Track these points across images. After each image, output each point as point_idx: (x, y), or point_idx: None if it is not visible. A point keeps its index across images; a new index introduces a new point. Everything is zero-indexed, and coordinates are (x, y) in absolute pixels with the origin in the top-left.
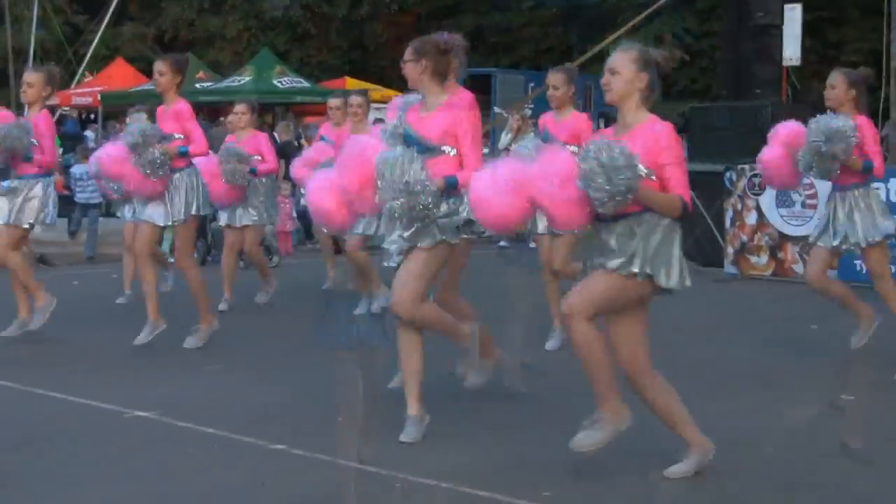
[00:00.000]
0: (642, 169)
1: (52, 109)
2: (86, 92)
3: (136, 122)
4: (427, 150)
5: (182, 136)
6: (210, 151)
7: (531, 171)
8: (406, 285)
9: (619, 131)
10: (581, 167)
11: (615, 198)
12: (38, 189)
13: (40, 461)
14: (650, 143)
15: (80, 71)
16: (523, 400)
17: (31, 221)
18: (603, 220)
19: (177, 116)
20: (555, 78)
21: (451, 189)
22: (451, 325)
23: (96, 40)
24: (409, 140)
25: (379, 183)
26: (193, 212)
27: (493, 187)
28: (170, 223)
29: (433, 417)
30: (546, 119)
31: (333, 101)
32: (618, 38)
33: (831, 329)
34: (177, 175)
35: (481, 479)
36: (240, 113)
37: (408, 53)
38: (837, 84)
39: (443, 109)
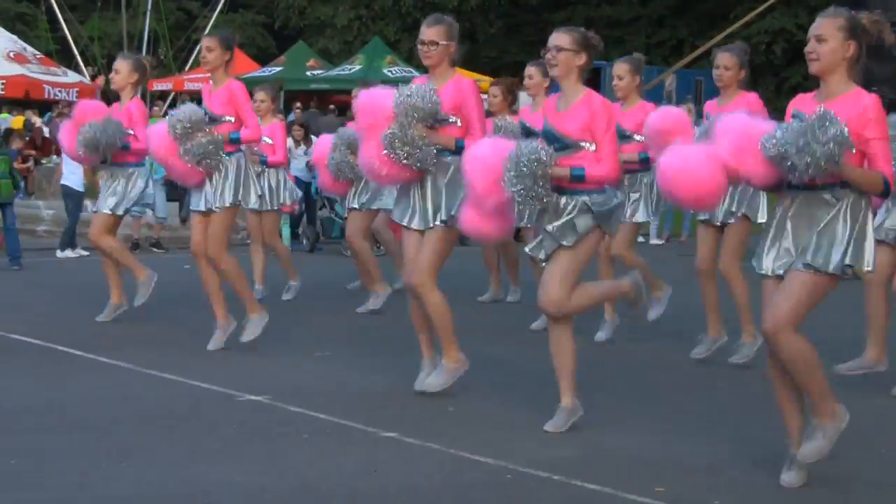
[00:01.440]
0: (848, 139)
1: (165, 94)
2: (198, 77)
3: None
4: (566, 146)
5: (233, 119)
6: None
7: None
8: (551, 285)
9: (821, 100)
10: (791, 127)
11: (820, 162)
12: (135, 177)
13: (157, 440)
14: (856, 114)
15: (192, 57)
16: (634, 394)
17: (127, 208)
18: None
19: (230, 97)
20: (619, 68)
21: (577, 181)
22: (608, 291)
23: (209, 26)
24: (548, 137)
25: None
26: (233, 202)
27: (685, 160)
28: (211, 208)
29: (542, 410)
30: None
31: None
32: (730, 34)
33: None
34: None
35: (592, 472)
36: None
37: (567, 42)
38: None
39: (581, 105)
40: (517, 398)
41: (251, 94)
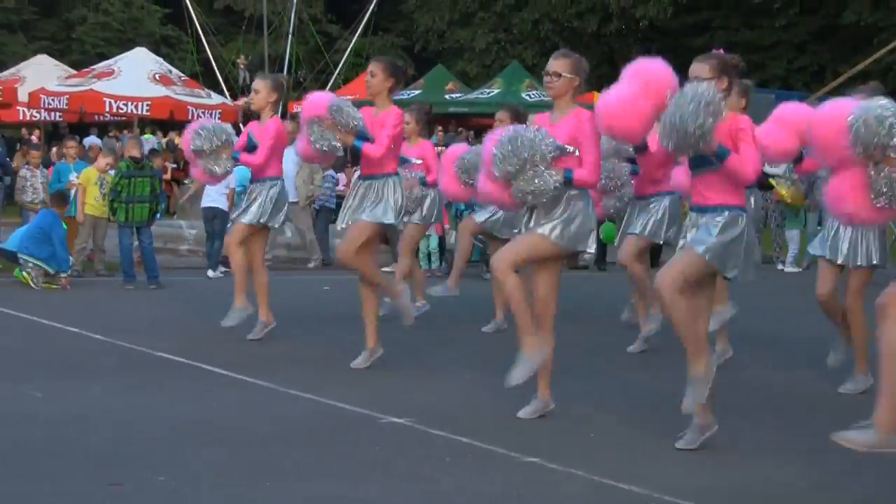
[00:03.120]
0: None
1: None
2: None
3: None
4: (709, 163)
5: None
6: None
7: None
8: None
9: None
10: None
11: None
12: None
13: (299, 460)
14: None
15: (332, 79)
16: (771, 419)
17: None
18: None
19: (382, 123)
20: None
21: None
22: None
23: (349, 49)
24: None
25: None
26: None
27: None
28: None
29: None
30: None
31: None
32: (875, 60)
33: None
34: (374, 182)
35: (737, 500)
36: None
37: (706, 71)
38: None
39: (730, 123)
40: (657, 424)
41: None
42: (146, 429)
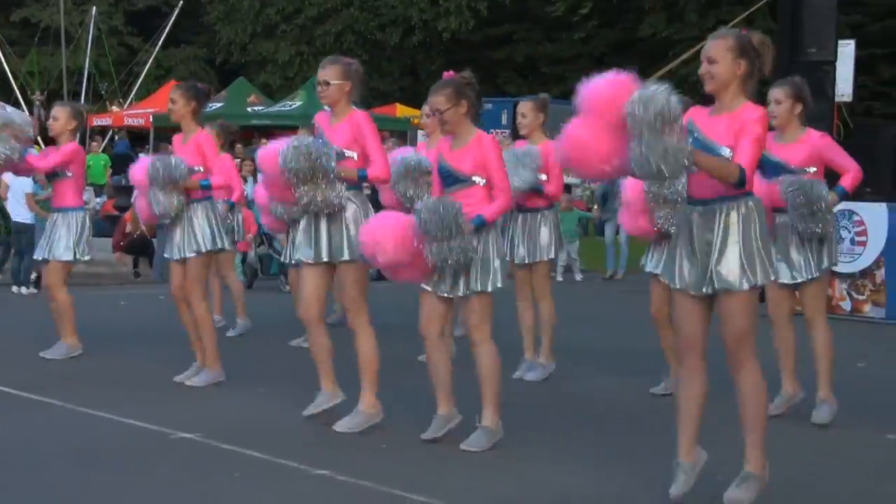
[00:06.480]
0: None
1: (105, 130)
2: (138, 113)
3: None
4: (459, 181)
5: (202, 169)
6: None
7: None
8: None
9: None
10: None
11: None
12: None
13: (87, 479)
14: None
15: (133, 92)
16: (569, 429)
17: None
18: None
19: (197, 147)
20: (523, 106)
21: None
22: None
23: (150, 62)
24: (442, 172)
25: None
26: (210, 248)
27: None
28: (180, 257)
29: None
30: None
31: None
32: (669, 70)
33: (879, 366)
34: (193, 206)
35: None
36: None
37: (443, 102)
38: None
39: (473, 144)
40: (451, 434)
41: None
42: None
